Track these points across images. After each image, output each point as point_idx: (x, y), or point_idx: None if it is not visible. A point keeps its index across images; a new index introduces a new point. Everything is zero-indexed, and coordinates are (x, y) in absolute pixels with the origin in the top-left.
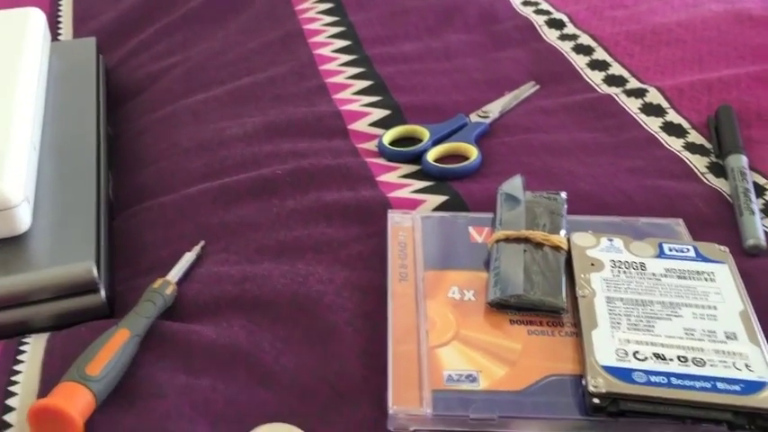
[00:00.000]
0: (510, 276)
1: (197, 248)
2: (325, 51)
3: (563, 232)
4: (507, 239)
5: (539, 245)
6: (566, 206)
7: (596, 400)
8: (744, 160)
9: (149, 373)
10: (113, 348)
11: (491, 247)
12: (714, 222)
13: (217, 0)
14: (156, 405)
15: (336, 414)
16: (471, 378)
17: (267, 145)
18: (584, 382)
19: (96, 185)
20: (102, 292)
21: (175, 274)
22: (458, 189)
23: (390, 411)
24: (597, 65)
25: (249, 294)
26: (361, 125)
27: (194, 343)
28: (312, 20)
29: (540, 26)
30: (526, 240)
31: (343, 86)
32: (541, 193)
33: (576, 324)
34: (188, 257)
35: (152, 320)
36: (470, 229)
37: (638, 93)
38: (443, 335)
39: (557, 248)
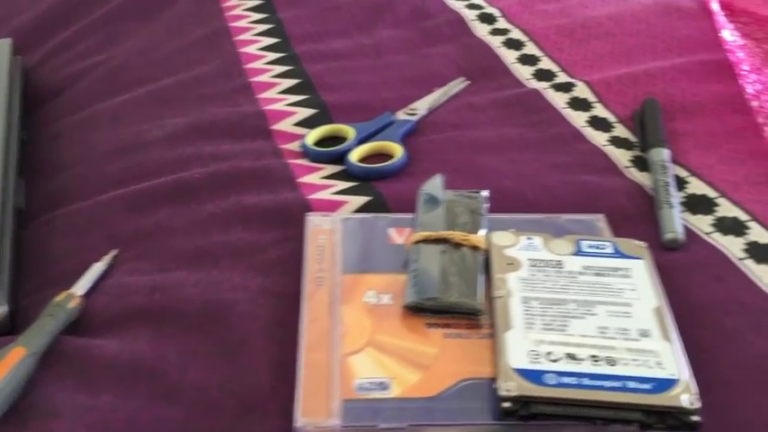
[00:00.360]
0: (426, 279)
1: (107, 258)
2: (252, 49)
3: (482, 231)
4: (426, 241)
5: (458, 245)
6: (487, 205)
7: (507, 404)
8: (666, 153)
9: (46, 393)
10: (5, 368)
11: (409, 249)
12: (635, 217)
13: None
14: (51, 426)
15: (244, 429)
16: (383, 386)
17: (188, 147)
18: (495, 386)
19: (2, 193)
20: (4, 307)
21: (82, 286)
22: (381, 189)
23: (297, 424)
24: (527, 59)
25: (158, 305)
26: (285, 125)
27: (95, 359)
28: (239, 17)
29: (471, 21)
30: (445, 241)
31: (269, 85)
32: (462, 192)
33: (492, 325)
34: (97, 268)
35: (52, 336)
36: (391, 230)
37: (566, 87)
38: (357, 341)
39: (476, 248)
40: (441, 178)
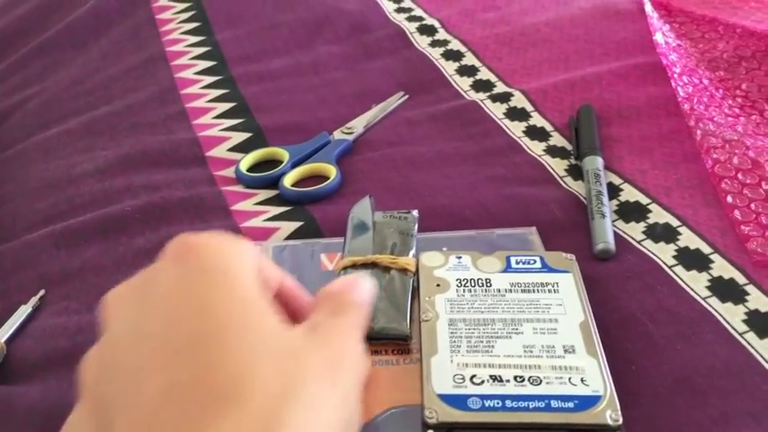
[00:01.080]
0: None
1: (34, 300)
2: (188, 74)
3: (412, 253)
4: (354, 266)
5: (386, 269)
6: (416, 225)
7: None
8: (599, 162)
9: None
10: None
11: (337, 276)
12: (568, 228)
13: (76, 25)
14: None
15: None
16: None
17: (119, 179)
18: (421, 414)
19: None
20: None
21: (5, 330)
22: (314, 213)
23: None
24: (466, 70)
25: (83, 347)
26: (219, 151)
27: (16, 407)
28: (176, 41)
29: (411, 33)
30: (373, 265)
31: (205, 111)
32: (392, 213)
33: (420, 350)
34: (22, 311)
35: None
36: (322, 256)
37: (504, 97)
38: None
39: (405, 271)
40: (369, 200)
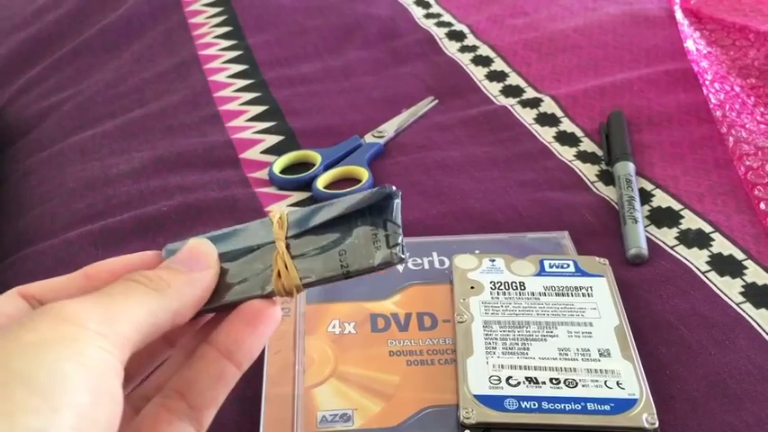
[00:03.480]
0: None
1: None
2: (221, 77)
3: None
4: None
5: None
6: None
7: None
8: (630, 167)
9: None
10: None
11: None
12: (601, 233)
13: (110, 29)
14: None
15: None
16: (345, 417)
17: (155, 180)
18: (457, 414)
19: None
20: None
21: None
22: None
23: None
24: (495, 76)
25: None
26: (253, 153)
27: None
28: (209, 45)
29: (440, 39)
30: None
31: (237, 114)
32: None
33: (455, 351)
34: None
35: None
36: None
37: (534, 103)
38: (320, 373)
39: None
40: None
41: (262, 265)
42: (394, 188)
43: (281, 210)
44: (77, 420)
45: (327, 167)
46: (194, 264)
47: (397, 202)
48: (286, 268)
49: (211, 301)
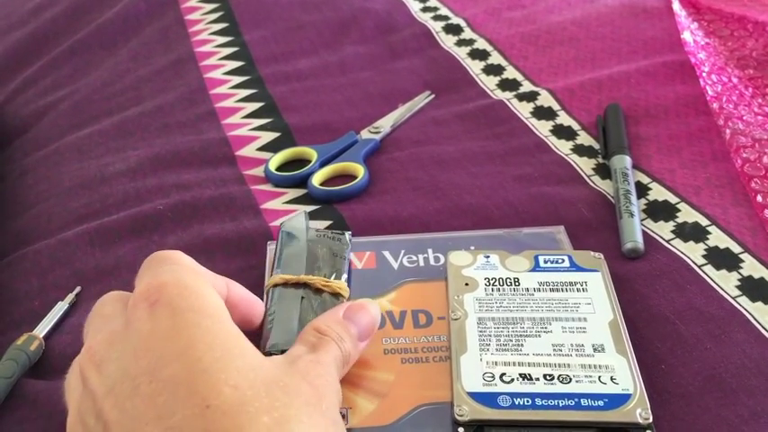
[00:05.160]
0: (284, 326)
1: (70, 296)
2: (217, 74)
3: (344, 277)
4: (286, 284)
5: (318, 290)
6: (350, 248)
7: (461, 429)
8: (627, 161)
9: None
10: None
11: (267, 292)
12: (596, 227)
13: (106, 26)
14: None
15: None
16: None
17: (151, 179)
18: (451, 411)
19: None
20: None
21: (43, 327)
22: (342, 212)
23: None
24: (492, 69)
25: None
26: (248, 150)
27: (55, 401)
28: (205, 41)
29: (437, 33)
30: (305, 285)
31: (234, 110)
32: (326, 233)
33: (449, 348)
34: (59, 307)
35: (14, 380)
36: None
37: (530, 96)
38: None
39: (337, 295)
40: (304, 216)
41: None
42: None
43: None
44: None
45: (323, 164)
46: (367, 336)
47: None
48: None
49: None
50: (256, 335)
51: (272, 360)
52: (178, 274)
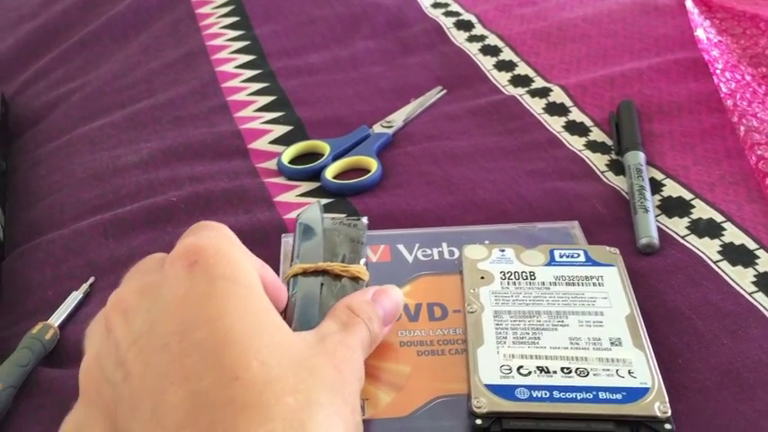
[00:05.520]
0: (305, 313)
1: (84, 286)
2: (229, 68)
3: (363, 261)
4: (305, 273)
5: (337, 276)
6: (366, 232)
7: (479, 421)
8: (641, 157)
9: (23, 426)
10: None
11: (287, 282)
12: (611, 222)
13: (117, 19)
14: None
15: None
16: None
17: (164, 171)
18: (468, 403)
19: None
20: None
21: (58, 316)
22: (356, 205)
23: None
24: (504, 65)
25: None
26: (261, 143)
27: (73, 390)
28: (216, 35)
29: (448, 28)
30: (324, 273)
31: (246, 104)
32: (342, 220)
33: (465, 341)
34: (74, 297)
35: (29, 369)
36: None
37: (543, 92)
38: None
39: (356, 279)
40: (319, 206)
41: None
42: None
43: None
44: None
45: (336, 158)
46: (390, 321)
47: None
48: None
49: None
50: None
51: (301, 336)
52: (217, 240)
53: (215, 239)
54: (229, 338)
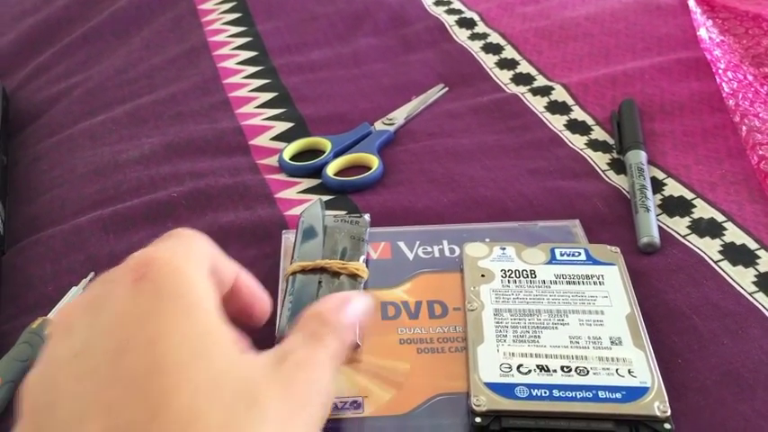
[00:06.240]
0: (298, 311)
1: (84, 282)
2: (230, 64)
3: (362, 258)
4: (303, 271)
5: (336, 274)
6: (368, 229)
7: (478, 419)
8: (642, 156)
9: None
10: None
11: (286, 280)
12: (612, 221)
13: (119, 14)
14: None
15: None
16: (356, 405)
17: (165, 166)
18: (467, 401)
19: None
20: None
21: (57, 311)
22: (357, 202)
23: None
24: (506, 64)
25: None
26: (262, 140)
27: None
28: (218, 31)
29: (450, 26)
30: (322, 270)
31: (247, 100)
32: (344, 217)
33: (465, 339)
34: (73, 292)
35: (29, 364)
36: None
37: (544, 91)
38: None
39: (355, 276)
40: (320, 203)
41: None
42: None
43: None
44: None
45: (337, 154)
46: (359, 329)
47: None
48: None
49: None
50: (259, 329)
51: (256, 359)
52: (172, 253)
53: (170, 252)
54: (162, 365)
